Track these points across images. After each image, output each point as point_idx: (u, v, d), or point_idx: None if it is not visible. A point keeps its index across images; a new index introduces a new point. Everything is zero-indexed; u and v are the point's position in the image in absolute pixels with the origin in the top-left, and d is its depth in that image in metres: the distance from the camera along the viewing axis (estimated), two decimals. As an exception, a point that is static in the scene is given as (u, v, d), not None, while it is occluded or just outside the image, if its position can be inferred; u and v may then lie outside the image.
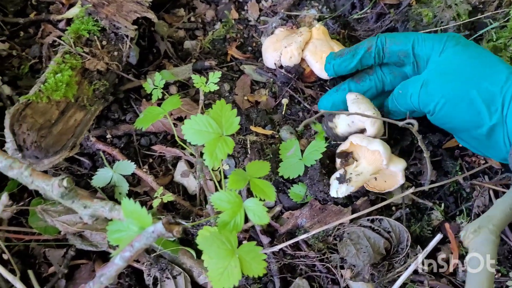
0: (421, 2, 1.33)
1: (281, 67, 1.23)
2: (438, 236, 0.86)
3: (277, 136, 1.17)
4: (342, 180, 1.02)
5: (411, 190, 1.02)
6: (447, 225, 1.06)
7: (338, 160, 1.07)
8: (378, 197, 1.11)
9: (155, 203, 1.04)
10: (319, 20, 1.38)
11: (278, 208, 1.08)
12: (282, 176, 1.09)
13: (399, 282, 0.86)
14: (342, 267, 1.01)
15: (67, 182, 0.84)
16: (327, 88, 1.26)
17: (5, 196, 0.85)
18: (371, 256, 0.99)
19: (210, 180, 1.09)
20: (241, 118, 1.05)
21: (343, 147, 1.07)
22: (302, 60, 1.21)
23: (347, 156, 1.06)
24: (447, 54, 0.99)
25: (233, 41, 1.38)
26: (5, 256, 0.98)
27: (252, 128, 1.18)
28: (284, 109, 1.23)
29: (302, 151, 1.09)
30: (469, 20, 1.25)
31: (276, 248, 0.97)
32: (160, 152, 1.17)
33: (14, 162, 0.86)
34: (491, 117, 0.93)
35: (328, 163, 1.12)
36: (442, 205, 1.12)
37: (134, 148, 1.17)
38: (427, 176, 1.08)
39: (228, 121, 0.91)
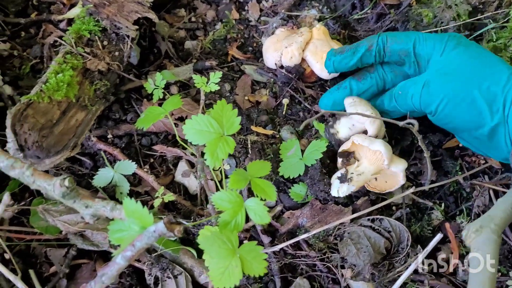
0: (421, 3, 1.33)
1: (281, 67, 1.23)
2: (438, 236, 0.87)
3: (277, 136, 1.17)
4: (343, 179, 1.02)
5: (412, 190, 1.03)
6: (447, 225, 1.06)
7: (339, 160, 1.08)
8: (379, 197, 1.11)
9: (156, 202, 1.04)
10: (319, 20, 1.39)
11: (279, 208, 1.08)
12: (282, 176, 1.09)
13: (400, 281, 0.86)
14: (342, 267, 1.01)
15: (69, 182, 0.84)
16: (328, 88, 1.26)
17: (6, 195, 0.85)
18: (372, 255, 0.99)
19: (211, 180, 1.09)
20: (242, 118, 1.05)
21: (344, 146, 1.08)
22: (303, 60, 1.21)
23: (349, 156, 1.06)
24: (448, 54, 0.99)
25: (234, 41, 1.38)
26: (6, 256, 0.98)
27: (253, 128, 1.18)
28: (284, 109, 1.23)
29: (303, 151, 1.09)
30: (469, 20, 1.25)
31: (277, 247, 0.98)
32: (161, 152, 1.17)
33: (15, 162, 0.86)
34: (492, 117, 0.93)
35: (329, 163, 1.12)
36: (442, 205, 1.12)
37: (135, 148, 1.17)
38: (427, 176, 1.08)
39: (229, 121, 0.91)
